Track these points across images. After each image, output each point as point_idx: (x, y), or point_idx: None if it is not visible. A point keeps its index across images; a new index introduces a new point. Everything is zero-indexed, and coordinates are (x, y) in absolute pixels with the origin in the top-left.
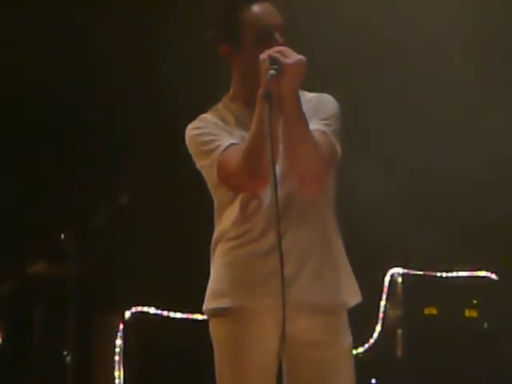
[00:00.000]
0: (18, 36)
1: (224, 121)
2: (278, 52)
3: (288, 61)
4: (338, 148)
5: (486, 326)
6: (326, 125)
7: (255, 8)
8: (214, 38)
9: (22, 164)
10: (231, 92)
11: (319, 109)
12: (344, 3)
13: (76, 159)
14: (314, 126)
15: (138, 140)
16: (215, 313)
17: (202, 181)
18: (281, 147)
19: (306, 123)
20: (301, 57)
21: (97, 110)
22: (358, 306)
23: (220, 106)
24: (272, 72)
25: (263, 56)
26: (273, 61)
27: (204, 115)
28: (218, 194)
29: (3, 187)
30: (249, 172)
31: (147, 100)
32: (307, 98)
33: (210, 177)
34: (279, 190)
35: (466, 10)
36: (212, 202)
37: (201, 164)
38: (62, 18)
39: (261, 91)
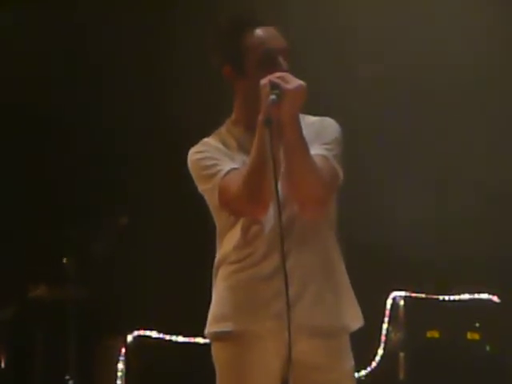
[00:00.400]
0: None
1: (226, 145)
2: (278, 77)
3: (289, 86)
4: (340, 172)
5: (488, 348)
6: (327, 149)
7: (258, 31)
8: (217, 60)
9: (22, 187)
10: (233, 116)
11: (321, 133)
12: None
13: (76, 181)
14: (316, 150)
15: (138, 161)
16: (217, 336)
17: (203, 204)
18: (282, 172)
19: (306, 148)
20: (301, 82)
21: (97, 134)
22: (360, 329)
23: (222, 129)
24: (272, 97)
25: (264, 81)
26: (273, 86)
27: (206, 139)
28: (219, 217)
29: (4, 212)
30: (249, 197)
31: (148, 122)
32: (309, 121)
33: (211, 201)
34: (281, 214)
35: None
36: (214, 226)
37: (202, 188)
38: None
39: (261, 117)
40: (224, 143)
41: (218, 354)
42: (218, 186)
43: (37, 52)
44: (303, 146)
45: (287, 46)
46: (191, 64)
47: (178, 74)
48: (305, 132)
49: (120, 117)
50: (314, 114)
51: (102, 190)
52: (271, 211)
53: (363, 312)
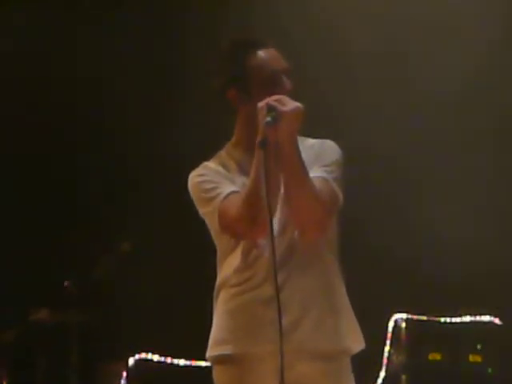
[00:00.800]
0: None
1: (226, 168)
2: (275, 100)
3: (285, 108)
4: (340, 195)
5: (490, 371)
6: (327, 171)
7: (261, 53)
8: (220, 85)
9: (23, 211)
10: (234, 138)
11: (321, 155)
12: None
13: (77, 208)
14: (315, 172)
15: (138, 187)
16: (218, 360)
17: (204, 228)
18: (282, 195)
19: (305, 171)
20: (298, 104)
21: (97, 160)
22: (362, 352)
23: (223, 152)
24: (268, 119)
25: (261, 104)
26: (270, 109)
27: (206, 163)
28: (220, 241)
29: (6, 235)
30: (248, 219)
31: (148, 147)
32: (309, 144)
33: (212, 224)
34: (281, 237)
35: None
36: (215, 250)
37: (203, 211)
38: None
39: (258, 139)
40: (224, 166)
41: (218, 378)
42: (218, 209)
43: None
44: (301, 168)
45: (289, 66)
46: (191, 90)
47: (177, 100)
48: (304, 155)
49: (121, 141)
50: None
51: (104, 214)
52: (274, 233)
53: (365, 334)
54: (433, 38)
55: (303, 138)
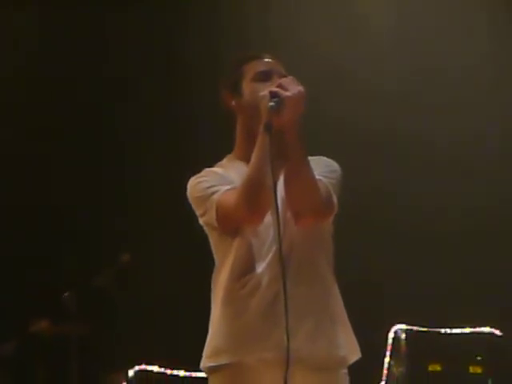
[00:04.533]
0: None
1: (228, 174)
2: (277, 86)
3: (288, 93)
4: (335, 199)
5: (490, 382)
6: (324, 176)
7: (256, 61)
8: (222, 96)
9: (22, 221)
10: (235, 149)
11: (319, 163)
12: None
13: (76, 219)
14: None
15: (138, 196)
16: (212, 370)
17: (204, 240)
18: (282, 195)
19: (305, 156)
20: (300, 88)
21: (97, 170)
22: (362, 363)
23: (224, 161)
24: (271, 104)
25: (263, 93)
26: (273, 96)
27: (207, 168)
28: (217, 248)
29: (5, 247)
30: (248, 203)
31: (148, 157)
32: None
33: (209, 223)
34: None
35: None
36: (214, 262)
37: (200, 212)
38: None
39: (262, 126)
40: (226, 172)
41: None
42: (216, 202)
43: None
44: (303, 154)
45: (284, 73)
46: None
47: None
48: None
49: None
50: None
51: (103, 226)
52: (269, 239)
53: (365, 345)
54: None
55: None
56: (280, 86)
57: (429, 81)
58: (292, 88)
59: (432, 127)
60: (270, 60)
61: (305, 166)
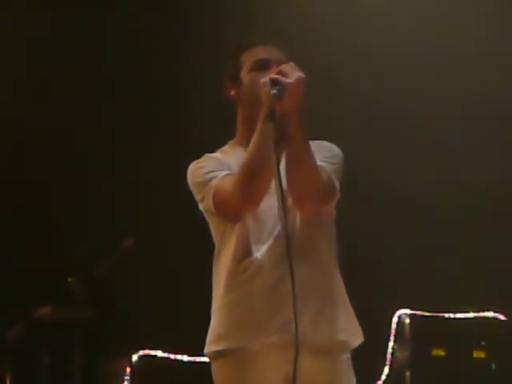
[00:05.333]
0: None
1: (227, 160)
2: (278, 73)
3: (289, 80)
4: (337, 184)
5: (493, 367)
6: (325, 162)
7: (255, 49)
8: (223, 84)
9: (23, 206)
10: (236, 135)
11: (320, 150)
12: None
13: (77, 204)
14: None
15: (139, 183)
16: (216, 355)
17: (204, 224)
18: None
19: (307, 142)
20: (300, 74)
21: (97, 156)
22: (365, 348)
23: (225, 148)
24: (273, 92)
25: (263, 80)
26: (274, 83)
27: (208, 154)
28: (217, 231)
29: (9, 234)
30: (243, 190)
31: (149, 144)
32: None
33: (207, 209)
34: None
35: None
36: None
37: (199, 197)
38: None
39: (263, 113)
40: (226, 158)
41: (217, 373)
42: (213, 188)
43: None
44: (305, 139)
45: (283, 59)
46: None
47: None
48: None
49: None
50: None
51: (104, 210)
52: (270, 223)
53: (369, 330)
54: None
55: None
56: (280, 72)
57: (445, 57)
58: (292, 74)
59: (445, 107)
60: (267, 46)
61: (306, 152)
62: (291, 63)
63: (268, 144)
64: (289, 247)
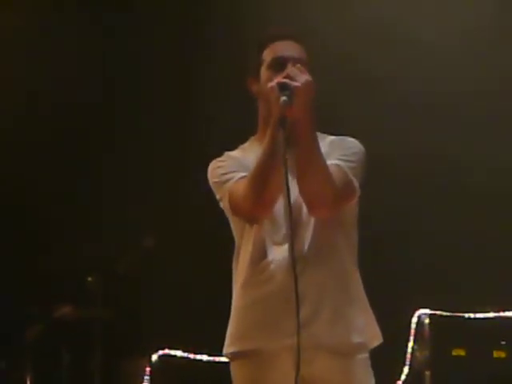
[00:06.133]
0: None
1: (246, 159)
2: (285, 77)
3: (297, 84)
4: (355, 183)
5: None
6: (343, 160)
7: (276, 44)
8: (245, 79)
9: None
10: (257, 132)
11: (340, 146)
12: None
13: (102, 205)
14: (330, 160)
15: (161, 182)
16: (234, 356)
17: (227, 224)
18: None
19: (317, 146)
20: (308, 77)
21: (122, 153)
22: (385, 348)
23: (246, 145)
24: (284, 99)
25: (271, 84)
26: (282, 87)
27: (228, 152)
28: (236, 230)
29: (30, 234)
30: (253, 195)
31: (174, 139)
32: (329, 140)
33: (226, 209)
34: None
35: None
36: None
37: (218, 197)
38: None
39: (274, 118)
40: (245, 157)
41: (236, 374)
42: (228, 190)
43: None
44: (315, 144)
45: (301, 56)
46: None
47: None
48: (323, 149)
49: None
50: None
51: (128, 208)
52: (286, 225)
53: (389, 330)
54: None
55: (323, 134)
56: (288, 76)
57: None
58: (300, 78)
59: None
60: (287, 42)
61: (316, 155)
62: (299, 66)
63: (277, 151)
64: (292, 249)
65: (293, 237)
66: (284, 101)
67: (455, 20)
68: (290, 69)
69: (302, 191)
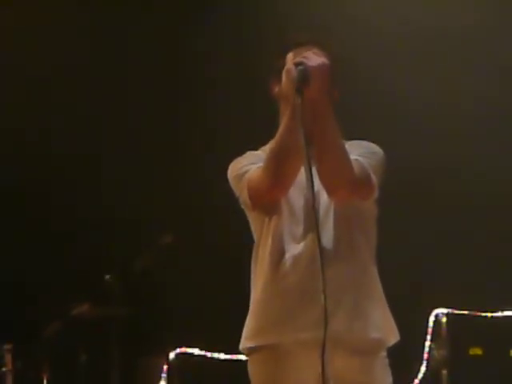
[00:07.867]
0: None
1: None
2: (301, 57)
3: (312, 63)
4: (373, 178)
5: None
6: (363, 157)
7: (299, 50)
8: (269, 82)
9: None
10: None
11: (360, 145)
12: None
13: (115, 202)
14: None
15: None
16: (251, 351)
17: (244, 221)
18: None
19: (335, 128)
20: (323, 59)
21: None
22: (402, 347)
23: (267, 146)
24: (300, 67)
25: (289, 66)
26: (298, 65)
27: (250, 151)
28: (255, 225)
29: (47, 234)
30: (271, 173)
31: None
32: (347, 143)
33: (245, 203)
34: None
35: None
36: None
37: (237, 193)
38: None
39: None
40: (265, 154)
41: (252, 369)
42: (247, 179)
43: None
44: (333, 125)
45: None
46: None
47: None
48: None
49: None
50: None
51: (142, 208)
52: (305, 220)
53: (406, 329)
54: None
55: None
56: (304, 57)
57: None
58: (316, 59)
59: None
60: (312, 50)
61: (334, 135)
62: (315, 50)
63: (297, 127)
64: (319, 241)
65: (318, 226)
66: (301, 70)
67: (455, 24)
68: (307, 52)
69: (320, 173)
